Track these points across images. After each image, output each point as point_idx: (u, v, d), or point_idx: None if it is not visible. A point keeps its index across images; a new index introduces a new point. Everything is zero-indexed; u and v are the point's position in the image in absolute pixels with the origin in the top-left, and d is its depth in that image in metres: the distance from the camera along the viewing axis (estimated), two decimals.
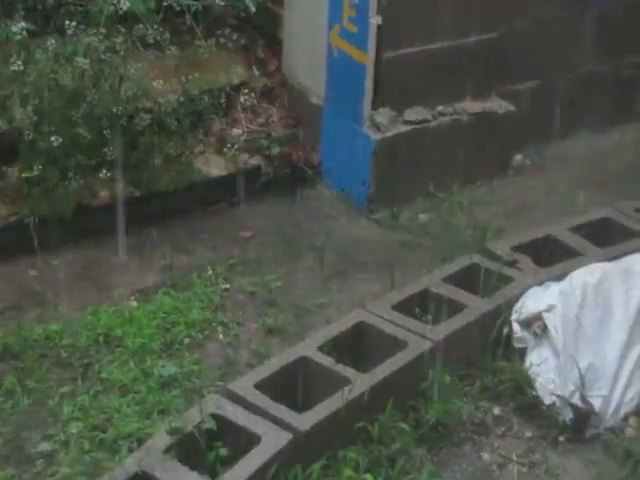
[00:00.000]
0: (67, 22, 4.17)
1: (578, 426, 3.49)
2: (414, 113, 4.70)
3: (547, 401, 3.53)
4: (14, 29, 4.09)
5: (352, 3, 4.54)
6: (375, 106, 4.64)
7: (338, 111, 4.75)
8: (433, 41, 4.67)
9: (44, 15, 4.38)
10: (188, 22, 4.50)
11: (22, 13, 4.23)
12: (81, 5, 4.34)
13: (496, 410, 3.59)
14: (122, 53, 4.32)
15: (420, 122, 4.70)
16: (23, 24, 4.11)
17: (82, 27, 4.20)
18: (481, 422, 3.54)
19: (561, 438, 3.49)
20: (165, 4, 4.49)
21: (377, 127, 4.63)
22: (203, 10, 4.54)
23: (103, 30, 4.22)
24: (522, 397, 3.60)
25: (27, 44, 4.15)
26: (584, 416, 3.49)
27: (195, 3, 4.48)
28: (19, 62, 4.07)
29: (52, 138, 4.08)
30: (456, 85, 4.78)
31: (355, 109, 4.66)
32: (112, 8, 4.27)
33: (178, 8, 4.50)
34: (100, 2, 4.29)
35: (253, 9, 4.65)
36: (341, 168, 4.78)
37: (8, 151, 4.24)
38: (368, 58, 4.54)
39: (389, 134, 4.63)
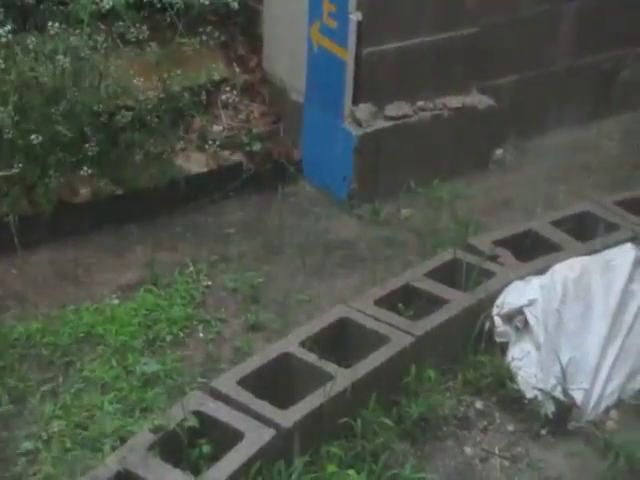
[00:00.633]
0: (49, 22, 4.14)
1: (560, 419, 3.51)
2: (395, 108, 4.71)
3: (529, 395, 3.55)
4: (0, 31, 4.07)
5: None
6: (356, 102, 4.64)
7: (319, 107, 4.75)
8: (413, 36, 4.68)
9: (23, 12, 4.35)
10: (169, 19, 4.49)
11: (2, 10, 4.19)
12: (62, 3, 4.32)
13: (478, 404, 3.60)
14: (102, 50, 4.30)
15: (401, 117, 4.71)
16: (9, 27, 4.09)
17: (63, 26, 4.18)
18: (464, 416, 3.55)
19: (543, 431, 3.51)
20: (146, 0, 4.47)
21: (358, 123, 4.63)
22: (184, 7, 4.52)
23: (87, 29, 4.21)
24: (504, 391, 3.61)
25: (9, 43, 4.13)
26: (566, 409, 3.51)
27: (178, 1, 4.47)
28: (0, 60, 4.04)
29: (32, 136, 4.06)
30: (437, 80, 4.79)
31: (336, 105, 4.66)
32: (94, 7, 4.26)
33: (159, 5, 4.48)
34: (82, 1, 4.27)
35: (236, 6, 4.64)
36: (322, 164, 4.78)
37: None
38: (348, 54, 4.54)
39: (370, 130, 4.63)
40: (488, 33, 4.90)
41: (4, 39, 4.08)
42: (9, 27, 4.10)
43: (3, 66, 4.06)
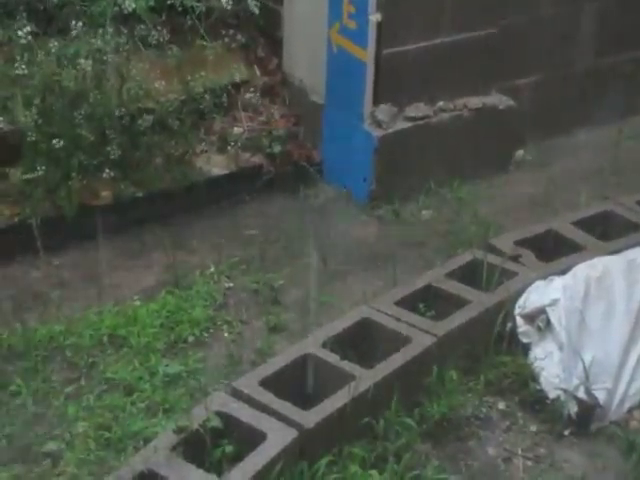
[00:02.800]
0: (73, 23, 4.16)
1: (583, 419, 3.50)
2: (415, 109, 4.71)
3: (552, 395, 3.54)
4: (19, 33, 4.09)
5: (351, 0, 4.54)
6: (376, 103, 4.64)
7: (339, 108, 4.75)
8: (433, 37, 4.67)
9: (46, 16, 4.38)
10: (190, 22, 4.50)
11: (25, 14, 4.22)
12: (84, 6, 4.35)
13: (501, 405, 3.59)
14: (124, 53, 4.32)
15: (421, 118, 4.70)
16: (28, 28, 4.11)
17: (85, 28, 4.21)
18: (486, 417, 3.55)
19: (566, 432, 3.50)
20: (168, 3, 4.49)
21: (378, 124, 4.63)
22: (205, 10, 4.54)
23: (109, 31, 4.23)
24: (526, 391, 3.60)
25: (31, 46, 4.15)
26: (589, 409, 3.49)
27: (199, 5, 4.49)
28: (23, 66, 4.06)
29: (55, 140, 4.08)
30: (457, 81, 4.78)
31: (356, 106, 4.66)
32: (116, 9, 4.28)
33: (180, 8, 4.50)
34: (104, 3, 4.29)
35: (257, 11, 4.64)
36: (342, 165, 4.78)
37: (11, 152, 4.25)
38: (368, 55, 4.55)
39: (390, 131, 4.63)
40: (508, 33, 4.89)
41: (24, 41, 4.10)
42: (28, 29, 4.12)
43: (26, 72, 4.07)
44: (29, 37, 4.10)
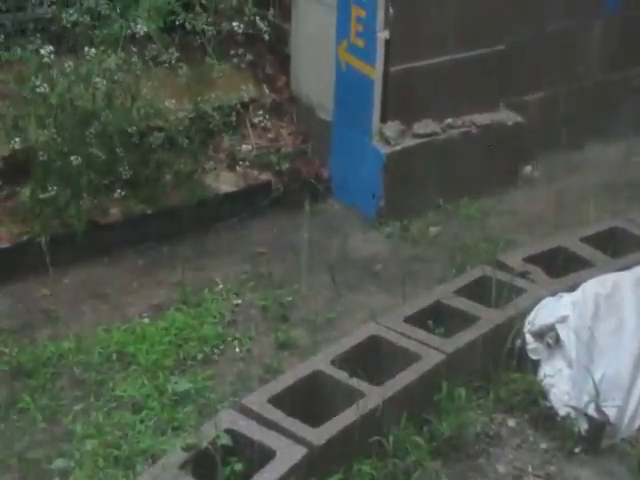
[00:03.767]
0: (90, 46, 4.19)
1: (593, 437, 3.48)
2: (423, 126, 4.71)
3: (562, 412, 3.52)
4: (42, 52, 4.11)
5: (359, 17, 4.56)
6: (384, 120, 4.65)
7: (347, 125, 4.77)
8: (441, 54, 4.69)
9: (59, 36, 4.40)
10: (199, 41, 4.52)
11: (38, 35, 4.25)
12: (96, 27, 4.37)
13: (510, 422, 3.58)
14: (135, 73, 4.34)
15: (429, 135, 4.71)
16: (51, 47, 4.13)
17: (97, 49, 4.23)
18: (496, 434, 3.53)
19: (576, 449, 3.48)
20: (178, 23, 4.52)
21: (386, 141, 4.64)
22: (214, 29, 4.56)
23: (121, 54, 4.25)
24: (536, 408, 3.59)
25: (48, 65, 4.18)
26: (599, 427, 3.48)
27: (210, 28, 4.51)
28: (45, 84, 4.07)
29: (74, 157, 4.10)
30: (464, 97, 4.79)
31: (364, 123, 4.67)
32: (125, 30, 4.31)
33: (190, 27, 4.53)
34: (116, 25, 4.32)
35: (263, 28, 4.66)
36: (351, 182, 4.78)
37: (21, 170, 4.26)
38: (376, 72, 4.56)
39: (398, 147, 4.64)
40: (515, 50, 4.90)
41: (46, 59, 4.12)
42: (51, 48, 4.14)
43: (48, 90, 4.09)
44: (52, 56, 4.11)
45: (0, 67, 4.36)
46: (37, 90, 4.09)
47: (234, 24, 4.51)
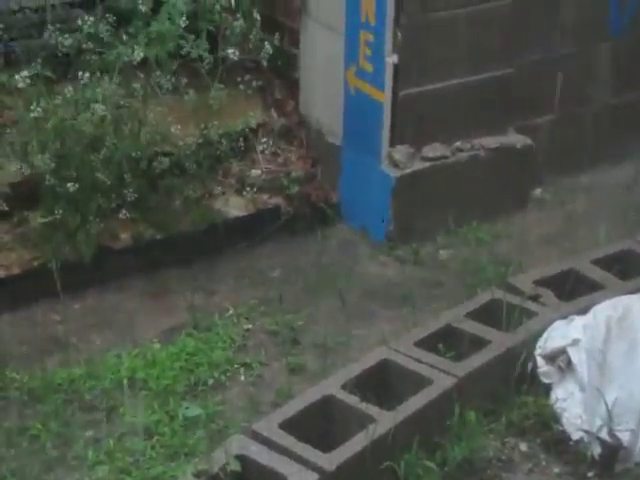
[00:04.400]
0: (84, 72, 4.22)
1: (607, 461, 3.46)
2: (432, 149, 4.72)
3: (574, 436, 3.50)
4: (17, 77, 4.14)
5: (368, 42, 4.58)
6: (393, 143, 4.66)
7: (356, 149, 4.77)
8: (449, 78, 4.69)
9: (63, 63, 4.43)
10: (206, 67, 4.55)
11: (40, 60, 4.28)
12: (99, 53, 4.40)
13: (523, 446, 3.56)
14: (140, 98, 4.36)
15: (438, 158, 4.71)
16: (25, 72, 4.15)
17: (99, 75, 4.26)
18: (508, 459, 3.51)
19: (590, 474, 3.45)
20: (182, 52, 4.55)
21: (395, 164, 4.64)
22: (220, 55, 4.59)
23: (119, 77, 4.27)
24: (549, 432, 3.57)
25: (48, 90, 4.20)
26: (612, 451, 3.45)
27: (208, 56, 4.54)
28: (39, 109, 4.11)
29: (70, 183, 4.12)
30: (473, 121, 4.80)
31: (373, 147, 4.68)
32: (130, 56, 4.34)
33: (196, 54, 4.55)
34: (115, 51, 4.35)
35: (268, 55, 4.69)
36: (360, 206, 4.79)
37: (30, 196, 4.28)
38: (385, 96, 4.57)
39: (408, 171, 4.64)
40: (524, 73, 4.91)
41: (22, 84, 4.13)
42: (26, 72, 4.15)
43: (43, 115, 4.11)
44: (27, 80, 4.12)
45: (10, 93, 4.39)
46: (32, 115, 4.10)
47: (229, 51, 4.53)
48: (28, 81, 4.14)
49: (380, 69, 4.55)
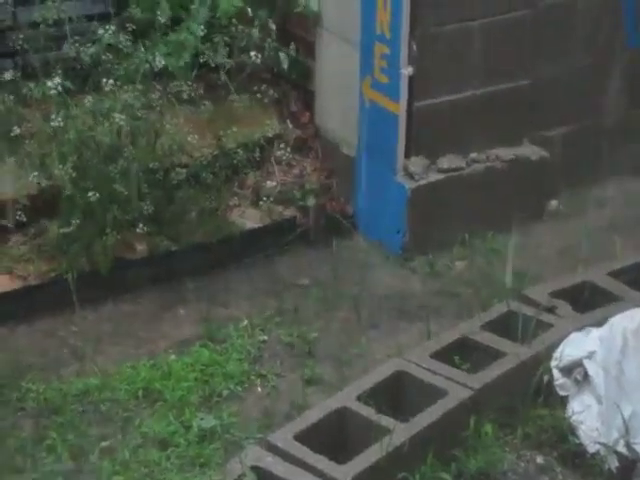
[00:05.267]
0: (107, 81, 4.24)
1: (624, 474, 3.44)
2: (447, 161, 4.72)
3: (591, 449, 3.49)
4: (49, 84, 4.16)
5: (383, 54, 4.59)
6: (408, 155, 4.66)
7: (372, 161, 4.78)
8: (464, 89, 4.70)
9: (82, 74, 4.46)
10: (223, 78, 4.56)
11: (60, 72, 4.31)
12: (118, 63, 4.43)
13: (539, 459, 3.54)
14: (158, 109, 4.38)
15: (454, 170, 4.71)
16: (57, 80, 4.18)
17: (118, 84, 4.28)
18: (524, 472, 3.50)
19: None
20: (201, 60, 4.57)
21: (411, 176, 4.64)
22: (237, 66, 4.60)
23: (139, 87, 4.30)
24: (565, 445, 3.55)
25: (64, 99, 4.23)
26: (630, 464, 3.43)
27: (229, 61, 4.55)
28: (59, 119, 4.13)
29: (91, 192, 4.14)
30: (489, 132, 4.79)
31: (388, 158, 4.68)
32: (147, 66, 4.36)
33: (213, 65, 4.57)
34: (136, 61, 4.37)
35: (285, 65, 4.69)
36: (376, 217, 4.79)
37: (47, 208, 4.30)
38: (400, 108, 4.57)
39: (423, 182, 4.64)
40: (539, 84, 4.90)
41: (54, 91, 4.16)
42: (58, 80, 4.18)
43: (63, 125, 4.13)
44: (59, 88, 4.15)
45: (29, 106, 4.42)
46: (52, 125, 4.13)
47: (252, 53, 4.54)
48: (60, 88, 4.16)
49: (395, 81, 4.56)
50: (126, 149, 4.27)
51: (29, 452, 3.51)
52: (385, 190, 4.72)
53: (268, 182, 4.85)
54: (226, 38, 4.66)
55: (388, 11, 4.51)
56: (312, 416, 3.40)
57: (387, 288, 4.50)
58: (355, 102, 4.77)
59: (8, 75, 4.32)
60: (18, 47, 4.45)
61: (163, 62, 4.40)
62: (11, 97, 4.31)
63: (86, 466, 3.46)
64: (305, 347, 4.08)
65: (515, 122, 4.86)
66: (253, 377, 3.91)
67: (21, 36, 4.44)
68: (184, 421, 3.63)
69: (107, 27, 4.37)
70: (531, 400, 3.64)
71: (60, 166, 4.13)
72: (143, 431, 3.60)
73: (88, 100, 4.25)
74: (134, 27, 4.49)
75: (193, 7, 4.73)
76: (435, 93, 4.63)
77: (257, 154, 4.76)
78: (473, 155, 4.78)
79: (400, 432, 3.29)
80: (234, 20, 4.66)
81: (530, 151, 4.92)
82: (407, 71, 4.53)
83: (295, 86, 5.14)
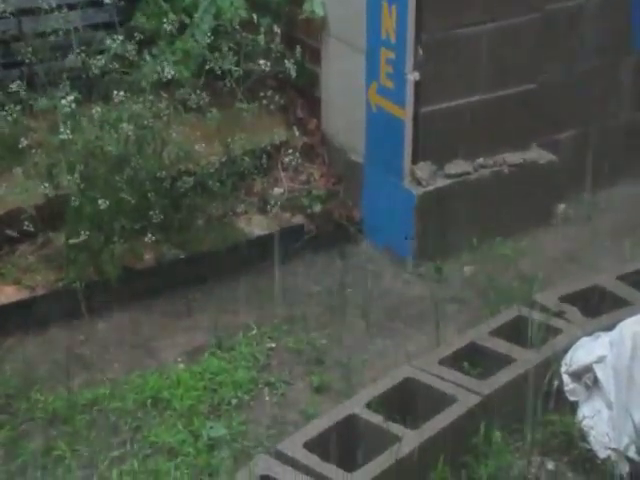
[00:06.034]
0: (114, 91, 4.24)
1: None
2: (454, 166, 4.71)
3: (602, 455, 3.46)
4: (63, 102, 4.17)
5: (388, 59, 4.58)
6: (415, 160, 4.65)
7: (378, 167, 4.77)
8: (471, 94, 4.69)
9: (88, 84, 4.46)
10: (229, 85, 4.56)
11: (68, 83, 4.31)
12: (125, 73, 4.43)
13: (549, 465, 3.52)
14: (164, 117, 4.39)
15: (461, 175, 4.70)
16: (71, 97, 4.18)
17: (127, 95, 4.28)
18: (535, 478, 3.48)
19: None
20: (207, 67, 4.57)
21: (418, 181, 4.64)
22: (243, 73, 4.60)
23: (150, 97, 4.30)
24: (576, 451, 3.53)
25: (73, 112, 4.23)
26: None
27: (237, 69, 4.55)
28: (67, 131, 4.13)
29: (101, 200, 4.13)
30: (496, 137, 4.78)
31: (395, 164, 4.67)
32: (155, 76, 4.36)
33: (219, 71, 4.57)
34: (144, 70, 4.37)
35: (294, 74, 4.69)
36: (383, 223, 4.78)
37: (55, 218, 4.31)
38: (406, 113, 4.57)
39: (430, 188, 4.63)
40: (547, 88, 4.89)
41: (67, 109, 4.18)
42: (72, 97, 4.19)
43: (71, 137, 4.14)
44: (73, 105, 4.17)
45: (36, 117, 4.43)
46: (60, 137, 4.13)
47: (261, 62, 4.54)
48: (74, 105, 4.16)
49: (401, 86, 4.55)
50: (133, 158, 4.27)
51: (38, 463, 3.51)
52: (392, 196, 4.71)
53: (275, 189, 4.85)
54: (232, 45, 4.66)
55: (393, 16, 4.50)
56: (321, 424, 3.39)
57: (395, 294, 4.49)
58: (361, 108, 4.77)
59: (14, 86, 4.32)
60: (24, 57, 4.46)
61: (172, 72, 4.40)
62: (17, 108, 4.31)
63: (95, 476, 3.46)
64: (314, 354, 4.07)
65: (523, 126, 4.85)
66: (262, 385, 3.90)
67: (27, 47, 4.45)
68: (193, 430, 3.62)
69: (115, 37, 4.38)
70: (541, 406, 3.62)
71: (68, 176, 4.13)
72: (152, 440, 3.59)
73: (96, 111, 4.25)
74: (142, 36, 4.49)
75: (196, 15, 4.74)
76: (441, 98, 4.62)
77: (264, 161, 4.76)
78: (480, 160, 4.76)
79: (410, 439, 3.27)
80: (239, 27, 4.66)
81: (538, 155, 4.91)
82: (413, 76, 4.53)
83: (301, 92, 5.13)
